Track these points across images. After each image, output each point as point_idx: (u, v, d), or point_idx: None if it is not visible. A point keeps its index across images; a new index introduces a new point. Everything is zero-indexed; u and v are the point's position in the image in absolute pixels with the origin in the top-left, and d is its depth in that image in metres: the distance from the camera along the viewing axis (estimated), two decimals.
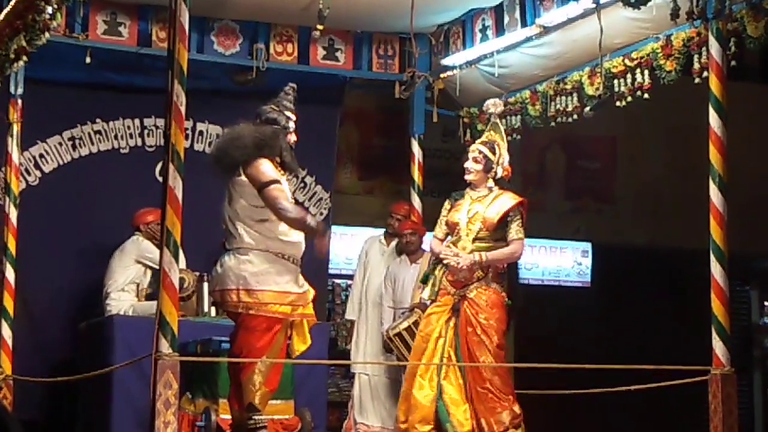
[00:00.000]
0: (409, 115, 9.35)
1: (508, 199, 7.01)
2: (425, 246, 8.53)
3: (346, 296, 10.40)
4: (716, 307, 6.50)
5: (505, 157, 7.14)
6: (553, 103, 8.32)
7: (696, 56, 7.00)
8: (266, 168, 6.27)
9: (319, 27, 7.52)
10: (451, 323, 6.92)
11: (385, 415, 8.71)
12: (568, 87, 8.15)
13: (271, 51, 8.80)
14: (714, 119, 6.58)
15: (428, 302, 7.14)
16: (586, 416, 9.76)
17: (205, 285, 8.10)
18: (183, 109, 5.61)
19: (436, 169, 9.98)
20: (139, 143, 9.27)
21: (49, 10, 6.53)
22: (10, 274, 8.05)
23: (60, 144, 9.07)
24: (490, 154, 7.09)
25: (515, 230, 6.96)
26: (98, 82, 8.89)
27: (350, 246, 10.99)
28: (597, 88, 7.80)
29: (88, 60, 8.29)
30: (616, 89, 7.66)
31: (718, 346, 6.47)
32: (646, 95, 7.52)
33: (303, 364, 7.24)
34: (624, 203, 12.48)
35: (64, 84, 8.78)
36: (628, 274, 11.94)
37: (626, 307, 11.91)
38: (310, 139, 7.35)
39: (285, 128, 6.47)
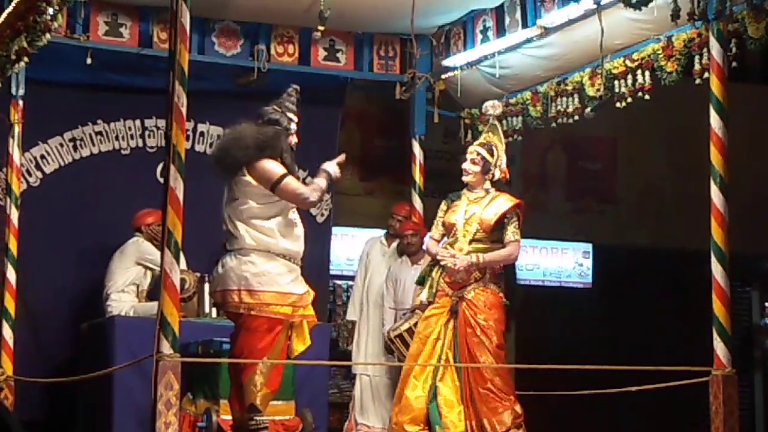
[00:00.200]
0: (410, 116, 9.35)
1: (505, 201, 7.02)
2: None
3: (347, 297, 10.41)
4: (717, 307, 6.50)
5: (503, 159, 7.15)
6: (554, 104, 8.32)
7: (697, 57, 6.99)
8: (272, 166, 6.29)
9: (320, 28, 7.52)
10: (450, 325, 6.93)
11: (386, 416, 8.70)
12: (569, 88, 8.15)
13: (272, 52, 8.80)
14: (715, 120, 6.58)
15: (428, 303, 7.15)
16: (588, 417, 9.74)
17: (206, 286, 8.11)
18: (184, 110, 5.61)
19: (437, 170, 9.98)
20: (140, 144, 9.27)
21: (50, 11, 6.54)
22: (11, 274, 8.05)
23: (61, 145, 9.08)
24: (488, 156, 7.09)
25: (512, 232, 6.97)
26: (99, 83, 8.89)
27: (351, 247, 10.99)
28: (598, 89, 7.80)
29: (89, 61, 8.30)
30: (617, 90, 7.65)
31: (719, 347, 6.47)
32: (647, 96, 7.52)
33: (304, 365, 7.24)
34: (625, 204, 12.48)
35: (65, 85, 8.78)
36: (629, 274, 11.95)
37: (628, 308, 11.91)
38: (311, 140, 7.34)
39: (287, 129, 6.47)
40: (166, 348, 5.46)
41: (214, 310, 8.14)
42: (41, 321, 8.72)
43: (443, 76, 9.04)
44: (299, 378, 7.62)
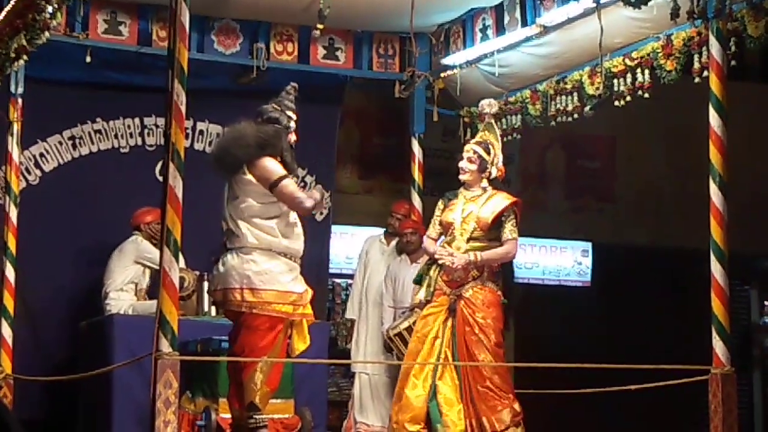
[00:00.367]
0: (409, 115, 9.35)
1: (502, 199, 7.02)
2: None
3: (347, 295, 10.41)
4: (716, 306, 6.50)
5: (500, 157, 7.15)
6: (553, 103, 8.32)
7: (696, 56, 6.99)
8: (273, 165, 6.29)
9: (320, 26, 7.53)
10: (449, 324, 6.92)
11: (385, 415, 8.70)
12: (569, 86, 8.15)
13: (272, 50, 8.80)
14: (714, 119, 6.58)
15: (426, 302, 7.15)
16: (587, 416, 9.75)
17: (205, 284, 8.11)
18: (183, 108, 5.61)
19: (436, 169, 9.98)
20: (140, 142, 9.27)
21: (50, 9, 6.53)
22: (10, 273, 8.05)
23: (60, 143, 9.08)
24: (484, 154, 7.09)
25: (509, 230, 6.97)
26: (98, 82, 8.89)
27: (350, 245, 10.99)
28: (597, 88, 7.80)
29: (88, 59, 8.29)
30: (617, 89, 7.65)
31: (718, 346, 6.48)
32: (646, 95, 7.53)
33: (303, 364, 7.24)
34: (624, 203, 12.48)
35: (64, 83, 8.79)
36: (628, 273, 11.94)
37: (627, 306, 11.92)
38: (310, 139, 7.35)
39: (286, 128, 6.48)
40: (165, 346, 5.46)
41: (213, 308, 8.14)
42: (40, 319, 8.72)
43: (442, 75, 9.03)
44: (298, 376, 7.62)
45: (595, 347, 9.69)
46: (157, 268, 5.93)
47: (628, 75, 7.55)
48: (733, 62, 6.66)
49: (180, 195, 5.53)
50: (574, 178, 12.46)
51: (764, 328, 13.00)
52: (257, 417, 6.26)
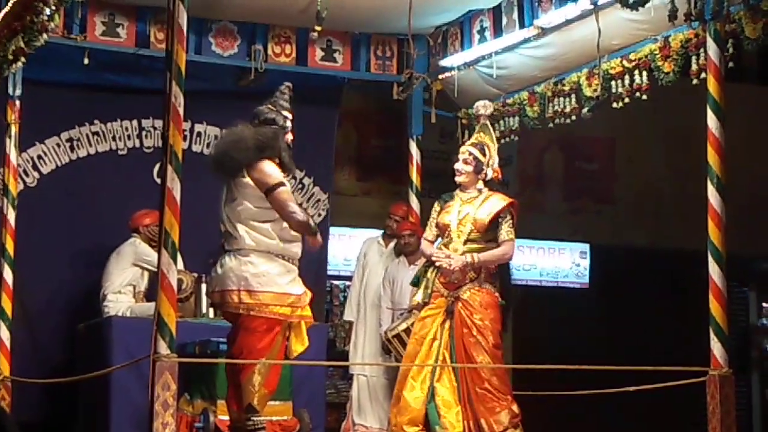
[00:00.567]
0: (407, 117, 9.35)
1: (498, 201, 7.02)
2: None
3: (345, 297, 10.40)
4: (714, 308, 6.50)
5: (495, 159, 7.16)
6: (551, 104, 8.32)
7: (694, 57, 6.99)
8: (271, 170, 6.29)
9: (317, 28, 7.52)
10: (446, 325, 6.93)
11: (383, 417, 8.70)
12: (567, 88, 8.15)
13: (269, 52, 8.79)
14: (712, 120, 6.58)
15: (423, 304, 7.15)
16: (585, 417, 9.75)
17: (203, 286, 8.11)
18: (181, 110, 5.61)
19: (434, 171, 9.97)
20: (137, 144, 9.26)
21: (47, 11, 6.53)
22: (8, 275, 8.04)
23: (58, 145, 9.07)
24: (480, 156, 7.10)
25: (506, 231, 6.97)
26: (96, 84, 8.89)
27: (348, 247, 10.99)
28: (595, 90, 7.80)
29: (86, 61, 8.30)
30: (614, 90, 7.65)
31: (716, 347, 6.47)
32: (644, 96, 7.52)
33: (301, 365, 7.24)
34: (623, 204, 12.48)
35: (62, 85, 8.78)
36: (627, 275, 11.94)
37: (625, 308, 11.91)
38: (308, 140, 7.35)
39: (283, 128, 6.49)
40: (163, 348, 5.46)
41: (211, 310, 8.14)
42: (38, 322, 8.71)
43: (440, 77, 9.03)
44: (297, 378, 7.62)
45: (593, 349, 9.71)
46: (156, 270, 5.94)
47: (626, 77, 7.55)
48: (730, 64, 6.66)
49: (178, 197, 5.54)
50: (573, 179, 12.46)
51: (763, 330, 13.00)
52: (255, 419, 6.27)
